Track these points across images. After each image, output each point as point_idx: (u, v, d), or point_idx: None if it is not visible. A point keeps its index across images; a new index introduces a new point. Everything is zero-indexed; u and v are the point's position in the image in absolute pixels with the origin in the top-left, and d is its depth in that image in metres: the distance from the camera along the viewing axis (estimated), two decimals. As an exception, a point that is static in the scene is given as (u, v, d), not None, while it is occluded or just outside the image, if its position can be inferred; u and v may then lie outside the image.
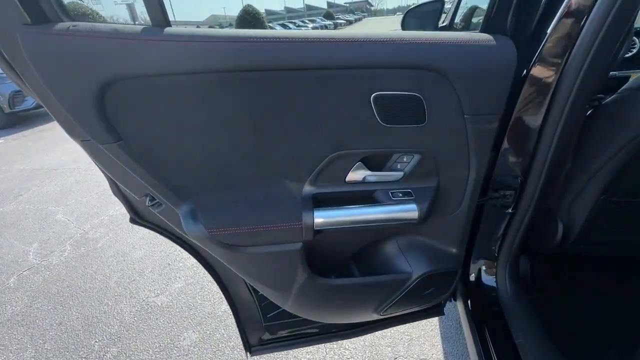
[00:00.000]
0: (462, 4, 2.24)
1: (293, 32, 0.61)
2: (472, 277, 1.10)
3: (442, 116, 0.68)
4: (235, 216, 0.71)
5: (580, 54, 0.64)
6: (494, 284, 1.05)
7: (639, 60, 1.70)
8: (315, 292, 0.85)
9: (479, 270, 1.09)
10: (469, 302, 1.10)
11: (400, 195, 0.76)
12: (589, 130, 0.84)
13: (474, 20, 1.99)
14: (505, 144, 0.80)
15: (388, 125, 0.68)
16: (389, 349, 1.55)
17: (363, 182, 0.76)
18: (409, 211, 0.75)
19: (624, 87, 0.79)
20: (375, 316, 1.00)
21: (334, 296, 0.89)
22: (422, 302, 1.01)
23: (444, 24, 2.29)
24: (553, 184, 0.91)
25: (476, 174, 0.78)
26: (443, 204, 0.83)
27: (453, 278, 0.96)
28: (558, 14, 0.65)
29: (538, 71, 0.70)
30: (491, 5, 0.67)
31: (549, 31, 0.67)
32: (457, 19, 2.19)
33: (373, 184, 0.77)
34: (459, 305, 1.15)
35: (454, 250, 0.92)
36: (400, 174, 0.77)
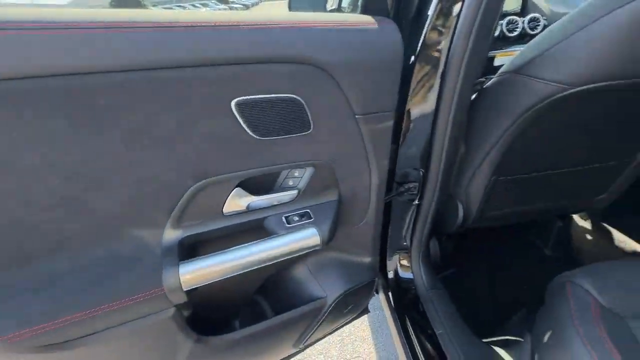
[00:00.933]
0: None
1: (96, 14, 0.39)
2: (390, 271, 1.07)
3: (330, 120, 0.56)
4: (55, 301, 0.48)
5: (463, 35, 0.58)
6: (411, 275, 1.04)
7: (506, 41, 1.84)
8: (213, 355, 0.67)
9: (396, 263, 1.06)
10: (389, 294, 1.07)
11: (297, 219, 0.62)
12: (475, 115, 0.83)
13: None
14: (403, 138, 0.74)
15: (264, 138, 0.53)
16: (321, 356, 1.47)
17: (248, 210, 0.60)
18: (309, 237, 0.62)
19: (501, 70, 0.78)
20: (295, 349, 0.87)
21: (241, 350, 0.73)
22: (344, 319, 0.93)
23: (333, 7, 2.20)
24: (451, 170, 0.90)
25: (379, 178, 0.69)
26: (349, 215, 0.73)
27: (371, 288, 0.89)
28: None
29: (425, 57, 0.63)
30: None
31: (430, 13, 0.60)
32: (345, 2, 2.12)
33: (262, 210, 0.61)
34: (381, 297, 1.12)
35: (368, 259, 0.84)
36: (293, 192, 0.63)
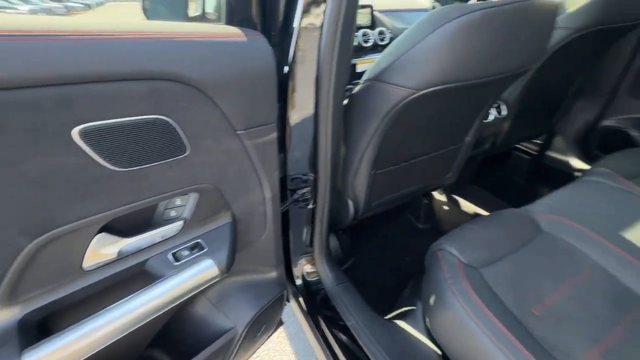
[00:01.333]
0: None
1: None
2: (298, 277, 1.08)
3: (208, 139, 0.51)
4: None
5: (328, 45, 0.62)
6: (317, 277, 1.07)
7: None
8: None
9: (301, 268, 1.08)
10: (300, 300, 1.08)
11: (187, 253, 0.55)
12: (349, 119, 0.91)
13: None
14: (290, 146, 0.76)
15: (128, 169, 0.44)
16: (241, 384, 1.38)
17: (120, 258, 0.49)
18: (205, 270, 0.55)
19: (364, 77, 0.87)
20: None
21: None
22: (259, 342, 0.88)
23: (197, 13, 2.07)
24: (337, 171, 0.97)
25: (272, 190, 0.68)
26: (248, 234, 0.69)
27: (282, 301, 0.88)
28: (300, 5, 0.59)
29: (298, 67, 0.65)
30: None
31: (295, 25, 0.62)
32: (209, 7, 2.02)
33: (141, 253, 0.52)
34: (293, 305, 1.12)
35: (274, 273, 0.82)
36: (178, 223, 0.55)
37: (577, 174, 1.73)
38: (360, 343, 0.86)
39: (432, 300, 0.82)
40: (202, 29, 0.47)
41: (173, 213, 0.55)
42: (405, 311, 1.06)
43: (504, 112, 1.40)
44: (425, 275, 0.94)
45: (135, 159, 0.44)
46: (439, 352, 0.87)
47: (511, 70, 0.85)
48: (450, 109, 0.97)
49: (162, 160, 0.46)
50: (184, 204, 0.55)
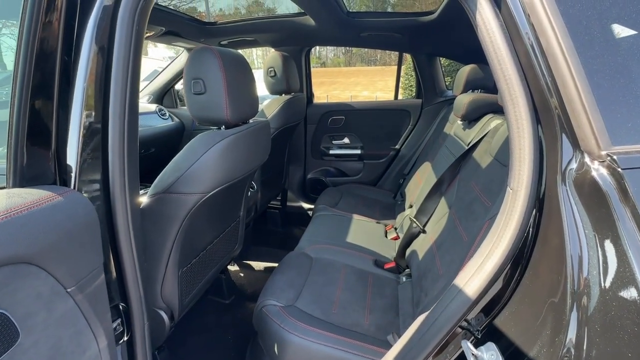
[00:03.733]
0: None
1: None
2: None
3: (40, 313, 0.46)
4: None
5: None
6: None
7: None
8: None
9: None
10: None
11: None
12: (146, 232, 0.96)
13: None
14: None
15: None
16: None
17: None
18: None
19: (151, 192, 0.96)
20: None
21: None
22: None
23: None
24: (147, 291, 0.95)
25: (107, 338, 0.64)
26: None
27: None
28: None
29: None
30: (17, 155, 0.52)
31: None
32: None
33: None
34: None
35: None
36: None
37: (308, 211, 2.50)
38: None
39: (276, 348, 1.01)
40: (14, 202, 0.44)
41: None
42: None
43: (255, 186, 1.85)
44: (260, 334, 1.10)
45: None
46: None
47: (258, 165, 1.25)
48: (228, 198, 1.23)
49: None
50: None
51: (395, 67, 2.55)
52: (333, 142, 2.55)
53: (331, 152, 2.55)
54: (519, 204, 0.57)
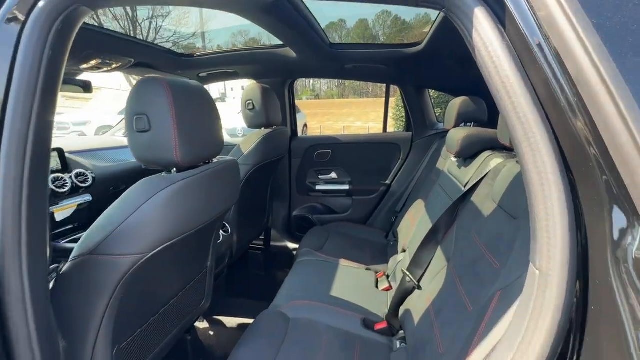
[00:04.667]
0: None
1: None
2: None
3: None
4: None
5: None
6: None
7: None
8: None
9: None
10: None
11: None
12: (64, 303, 0.76)
13: None
14: None
15: None
16: None
17: None
18: None
19: (74, 254, 0.77)
20: None
21: None
22: None
23: None
24: None
25: None
26: None
27: None
28: None
29: None
30: None
31: None
32: None
33: None
34: None
35: None
36: None
37: (293, 251, 2.28)
38: None
39: None
40: None
41: None
42: None
43: (229, 229, 1.65)
44: None
45: None
46: None
47: (225, 209, 1.07)
48: (186, 251, 1.04)
49: None
50: None
51: (385, 99, 2.47)
52: (320, 177, 2.39)
53: (318, 187, 2.38)
54: (552, 294, 0.39)
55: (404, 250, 1.62)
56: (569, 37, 0.36)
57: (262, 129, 1.78)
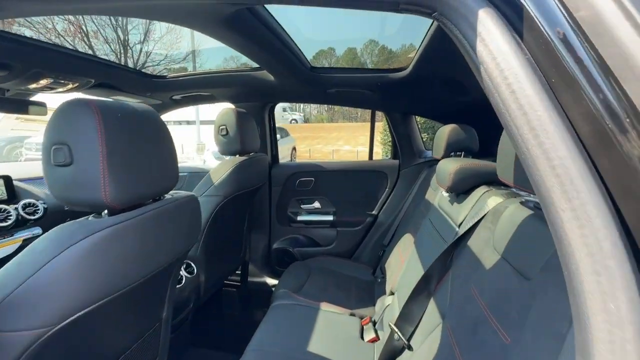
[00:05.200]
0: None
1: None
2: None
3: None
4: None
5: None
6: None
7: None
8: None
9: None
10: None
11: None
12: None
13: None
14: None
15: None
16: None
17: None
18: None
19: None
20: None
21: None
22: None
23: None
24: None
25: None
26: None
27: None
28: None
29: None
30: None
31: None
32: None
33: None
34: None
35: None
36: None
37: (273, 288, 2.07)
38: None
39: None
40: None
41: None
42: None
43: (195, 269, 1.45)
44: None
45: None
46: None
47: (180, 252, 0.89)
48: (130, 305, 0.84)
49: None
50: None
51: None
52: (302, 206, 2.23)
53: (299, 218, 2.21)
54: None
55: (392, 293, 1.45)
56: (630, 47, 0.23)
57: (237, 156, 1.64)
